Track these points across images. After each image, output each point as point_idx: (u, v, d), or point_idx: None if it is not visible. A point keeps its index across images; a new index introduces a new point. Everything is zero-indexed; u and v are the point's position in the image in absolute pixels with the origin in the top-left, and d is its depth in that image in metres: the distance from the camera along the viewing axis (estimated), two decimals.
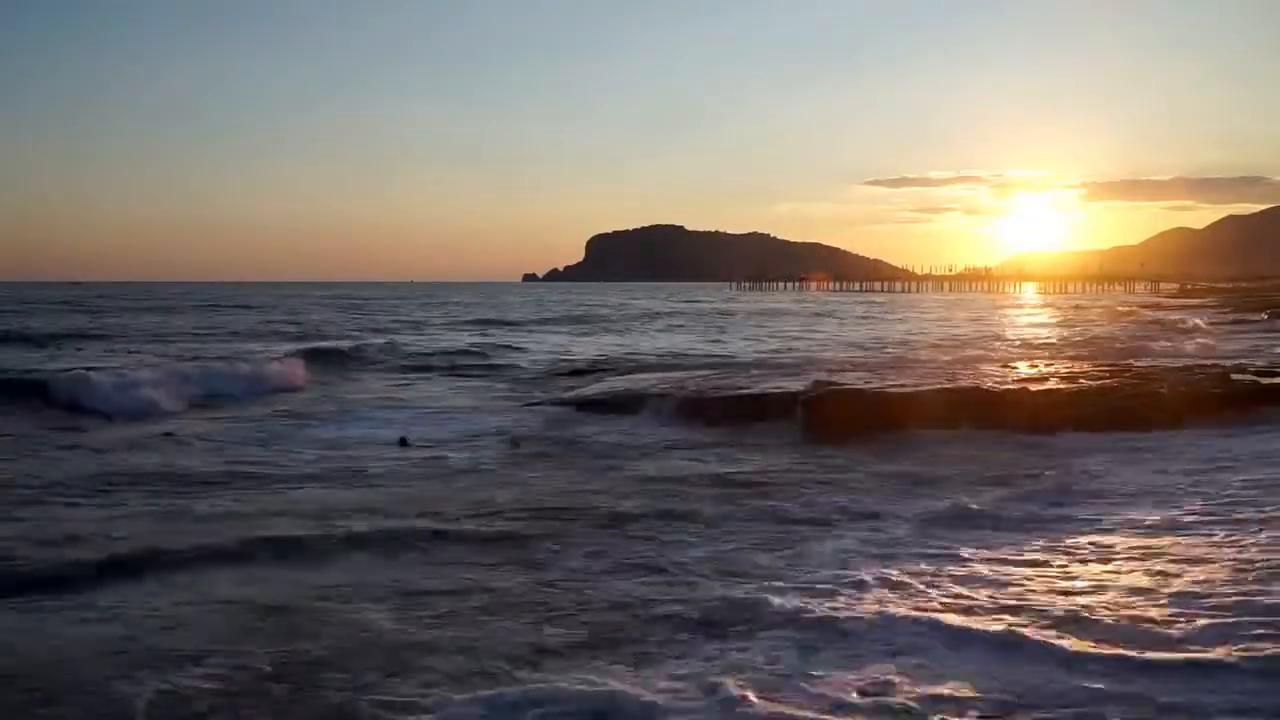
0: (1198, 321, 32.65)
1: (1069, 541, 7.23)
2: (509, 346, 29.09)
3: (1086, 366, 18.59)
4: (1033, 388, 14.85)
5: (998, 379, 16.40)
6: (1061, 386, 15.13)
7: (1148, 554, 6.84)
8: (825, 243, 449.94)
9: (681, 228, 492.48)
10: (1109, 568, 6.57)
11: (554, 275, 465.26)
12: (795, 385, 15.47)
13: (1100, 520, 7.82)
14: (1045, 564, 6.62)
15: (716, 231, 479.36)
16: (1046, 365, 19.60)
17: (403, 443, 11.70)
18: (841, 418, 13.20)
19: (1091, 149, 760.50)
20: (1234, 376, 15.47)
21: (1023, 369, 18.61)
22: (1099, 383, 15.15)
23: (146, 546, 6.99)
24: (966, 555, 6.78)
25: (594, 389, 16.74)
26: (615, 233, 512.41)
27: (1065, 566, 6.59)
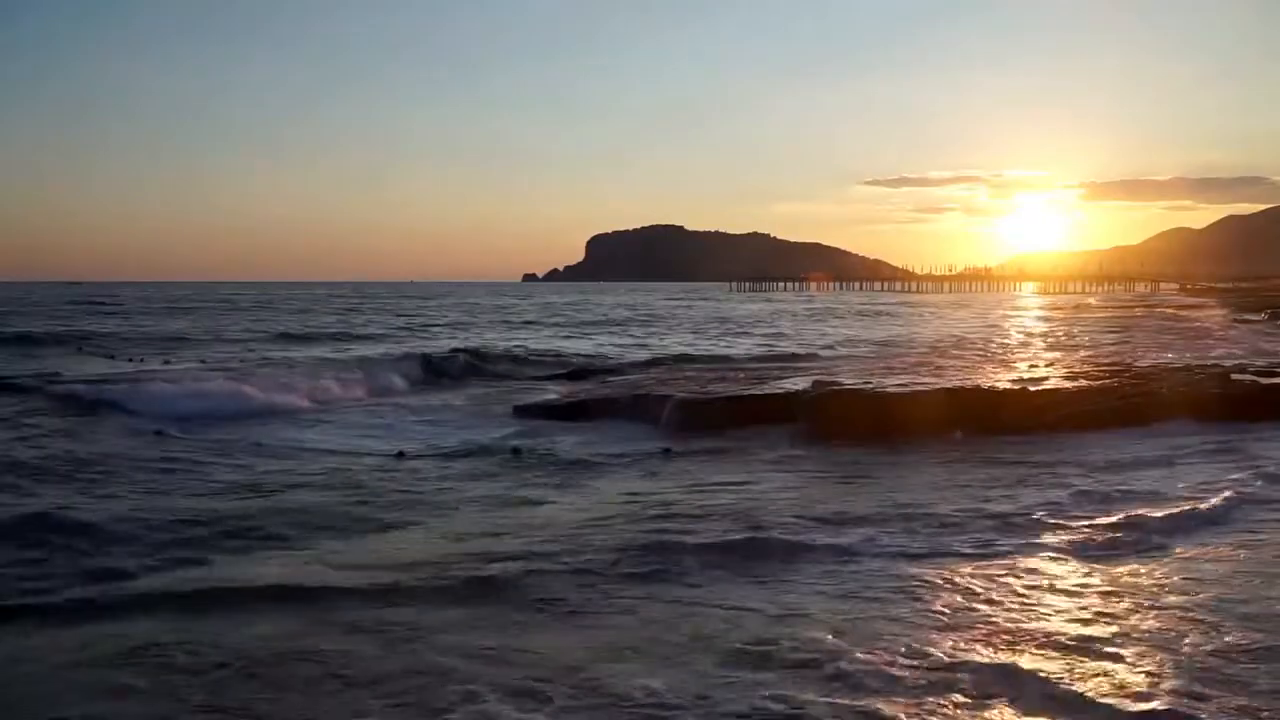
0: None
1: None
2: (522, 347, 28.50)
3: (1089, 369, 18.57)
4: (1032, 388, 14.89)
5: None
6: (1062, 386, 15.16)
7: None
8: (825, 243, 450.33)
9: (681, 228, 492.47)
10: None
11: (554, 275, 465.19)
12: (795, 384, 15.51)
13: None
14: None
15: (716, 231, 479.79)
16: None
17: (400, 456, 11.65)
18: (843, 419, 13.19)
19: (1091, 149, 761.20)
20: (1234, 377, 15.50)
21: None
22: (1099, 383, 15.18)
23: None
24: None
25: (597, 392, 16.77)
26: (615, 233, 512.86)
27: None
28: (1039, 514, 8.12)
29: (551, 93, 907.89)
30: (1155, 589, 6.21)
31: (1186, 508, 8.22)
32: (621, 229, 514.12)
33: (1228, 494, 8.72)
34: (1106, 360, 21.23)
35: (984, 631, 5.45)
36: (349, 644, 5.34)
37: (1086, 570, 6.63)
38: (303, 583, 6.41)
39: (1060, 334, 36.54)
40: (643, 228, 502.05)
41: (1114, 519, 7.84)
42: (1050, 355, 25.07)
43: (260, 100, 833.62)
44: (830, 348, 29.72)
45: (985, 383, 15.81)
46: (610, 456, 11.45)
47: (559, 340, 33.85)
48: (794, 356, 25.69)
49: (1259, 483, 9.27)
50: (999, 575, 6.49)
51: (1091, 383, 15.26)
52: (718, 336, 36.94)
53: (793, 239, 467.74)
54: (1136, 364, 19.04)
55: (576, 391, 17.09)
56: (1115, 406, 13.66)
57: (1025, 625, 5.54)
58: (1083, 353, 25.56)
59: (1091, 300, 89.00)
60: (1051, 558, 6.92)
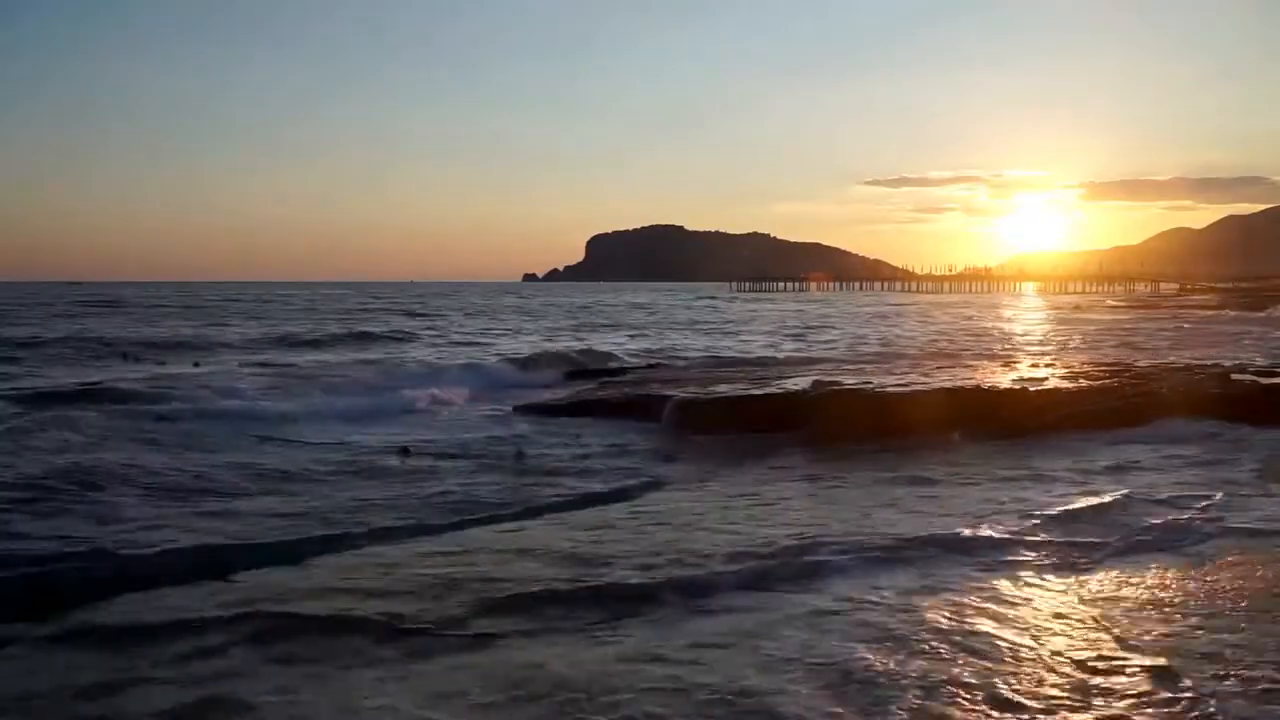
0: None
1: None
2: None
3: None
4: (1032, 388, 14.90)
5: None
6: (1062, 386, 15.17)
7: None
8: (825, 243, 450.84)
9: (681, 228, 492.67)
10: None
11: (554, 275, 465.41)
12: (796, 384, 15.50)
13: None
14: None
15: (716, 231, 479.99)
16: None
17: (404, 452, 11.63)
18: (843, 419, 13.17)
19: (1091, 149, 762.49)
20: (1234, 377, 15.50)
21: None
22: (1099, 383, 15.19)
23: None
24: None
25: (598, 392, 16.78)
26: (615, 233, 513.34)
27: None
28: (1018, 525, 7.81)
29: (551, 93, 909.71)
30: (1120, 606, 6.00)
31: (1169, 517, 8.07)
32: (621, 229, 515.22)
33: (1214, 499, 8.62)
34: (1107, 360, 21.23)
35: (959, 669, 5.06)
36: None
37: (1058, 584, 6.42)
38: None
39: (1062, 334, 36.54)
40: (643, 228, 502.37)
41: (1091, 537, 7.49)
42: (1051, 355, 25.06)
43: (260, 100, 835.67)
44: (830, 347, 29.74)
45: (985, 382, 15.83)
46: (601, 460, 11.33)
47: (616, 343, 32.77)
48: (794, 356, 25.67)
49: (1247, 489, 9.19)
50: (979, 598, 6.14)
51: (1092, 383, 15.27)
52: (724, 336, 36.95)
53: (793, 239, 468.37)
54: (1136, 364, 19.04)
55: (580, 391, 17.08)
56: (1115, 406, 13.67)
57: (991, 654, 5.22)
58: (1085, 353, 25.58)
59: (1110, 301, 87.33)
60: (1022, 573, 6.65)
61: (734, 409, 14.03)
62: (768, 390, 15.29)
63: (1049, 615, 5.85)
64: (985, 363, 22.19)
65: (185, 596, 6.36)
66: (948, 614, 5.81)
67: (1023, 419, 13.22)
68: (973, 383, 15.80)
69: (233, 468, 10.54)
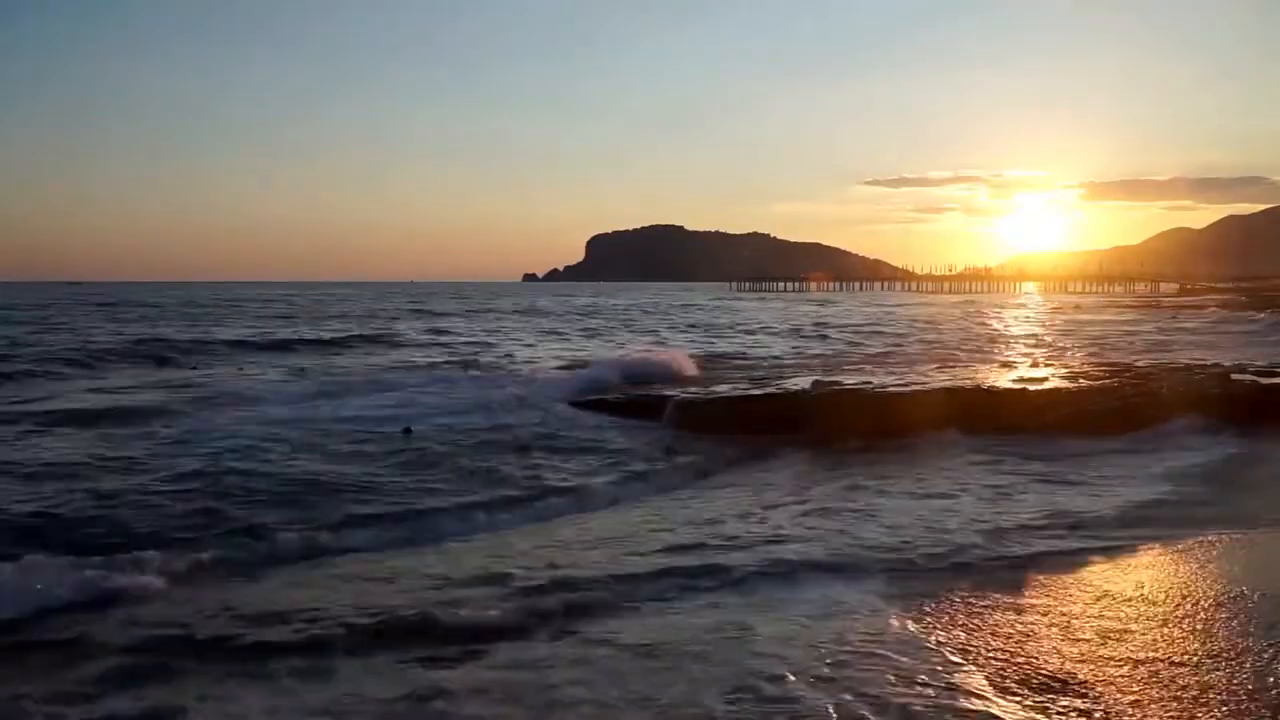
0: None
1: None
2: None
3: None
4: (1031, 388, 14.90)
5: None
6: (1062, 386, 15.17)
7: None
8: (825, 243, 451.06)
9: (681, 228, 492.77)
10: None
11: (554, 275, 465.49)
12: (796, 384, 15.53)
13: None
14: None
15: (716, 231, 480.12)
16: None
17: (406, 432, 11.80)
18: (842, 419, 13.17)
19: (1091, 149, 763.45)
20: (1234, 377, 15.49)
21: None
22: (1099, 383, 15.18)
23: None
24: None
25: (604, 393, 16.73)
26: (615, 233, 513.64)
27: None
28: (953, 544, 7.45)
29: (551, 93, 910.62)
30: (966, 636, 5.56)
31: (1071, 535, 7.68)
32: (621, 229, 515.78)
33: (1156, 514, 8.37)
34: (1107, 360, 21.22)
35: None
36: None
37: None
38: None
39: (1061, 334, 36.54)
40: (643, 228, 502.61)
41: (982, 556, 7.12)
42: (1051, 355, 25.06)
43: (260, 100, 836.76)
44: (830, 347, 29.73)
45: (985, 382, 15.83)
46: (583, 461, 11.25)
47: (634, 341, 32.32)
48: (794, 356, 25.69)
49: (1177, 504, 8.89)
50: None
51: (1091, 383, 15.26)
52: (726, 337, 36.94)
53: (793, 239, 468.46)
54: (1136, 364, 19.03)
55: (584, 390, 16.99)
56: (1115, 407, 13.65)
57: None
58: (1085, 352, 25.58)
59: (1110, 301, 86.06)
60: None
61: (734, 409, 14.03)
62: (767, 390, 15.30)
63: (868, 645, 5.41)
64: (985, 363, 22.20)
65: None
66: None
67: (1022, 419, 13.21)
68: (972, 383, 15.81)
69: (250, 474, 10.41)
